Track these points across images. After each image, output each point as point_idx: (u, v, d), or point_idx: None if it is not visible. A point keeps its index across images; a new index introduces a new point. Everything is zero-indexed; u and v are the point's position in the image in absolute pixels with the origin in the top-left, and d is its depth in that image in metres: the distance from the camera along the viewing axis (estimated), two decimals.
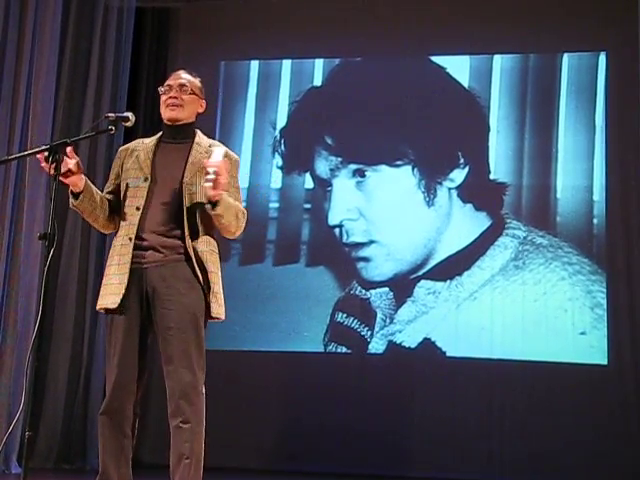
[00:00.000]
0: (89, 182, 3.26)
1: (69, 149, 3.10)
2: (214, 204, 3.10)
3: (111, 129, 3.25)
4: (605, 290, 6.05)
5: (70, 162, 3.12)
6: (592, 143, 6.26)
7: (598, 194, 6.19)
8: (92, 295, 6.03)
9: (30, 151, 3.37)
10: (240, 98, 6.74)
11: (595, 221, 6.18)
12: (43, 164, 3.07)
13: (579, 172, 6.25)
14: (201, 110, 3.41)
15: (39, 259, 5.58)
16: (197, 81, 3.43)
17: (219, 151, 3.14)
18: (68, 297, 6.01)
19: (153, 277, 3.15)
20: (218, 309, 3.24)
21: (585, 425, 5.86)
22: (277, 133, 6.70)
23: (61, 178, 3.08)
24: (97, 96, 6.22)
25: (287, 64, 6.80)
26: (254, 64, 6.82)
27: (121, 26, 6.39)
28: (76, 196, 3.21)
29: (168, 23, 6.95)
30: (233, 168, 3.32)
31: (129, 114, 3.29)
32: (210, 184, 3.05)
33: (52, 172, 3.02)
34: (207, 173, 3.05)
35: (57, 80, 5.98)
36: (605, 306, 6.03)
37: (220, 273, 3.27)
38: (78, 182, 3.18)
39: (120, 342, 3.14)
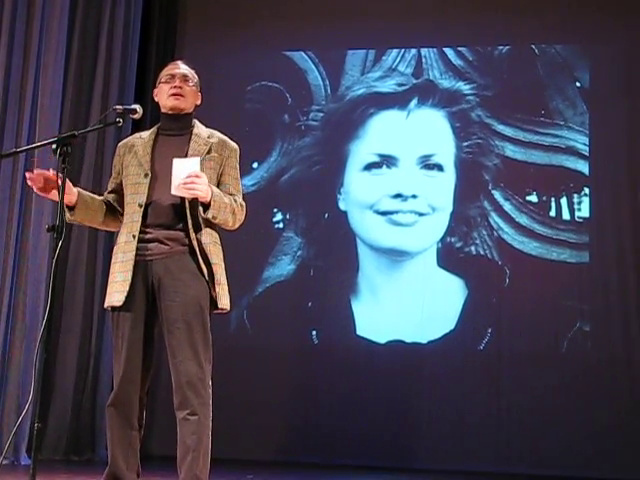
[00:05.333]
0: (83, 193, 3.24)
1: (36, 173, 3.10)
2: (205, 207, 3.13)
3: (119, 121, 3.24)
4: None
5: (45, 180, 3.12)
6: None
7: None
8: (100, 287, 6.04)
9: (38, 143, 3.38)
10: (247, 90, 6.73)
11: None
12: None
13: None
14: (199, 102, 3.41)
15: (47, 251, 5.60)
16: (195, 73, 3.42)
17: (193, 162, 3.11)
18: (76, 289, 6.02)
19: (158, 269, 3.15)
20: (224, 300, 3.23)
21: (595, 417, 5.86)
22: None
23: (41, 193, 3.13)
24: (104, 88, 6.22)
25: (296, 55, 6.79)
26: (262, 53, 6.81)
27: (129, 17, 6.39)
28: (70, 209, 3.20)
29: (176, 13, 6.95)
30: (232, 158, 3.32)
31: (137, 106, 3.28)
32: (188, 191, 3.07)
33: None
34: (185, 184, 3.06)
35: (64, 72, 5.98)
36: None
37: (224, 264, 3.27)
38: (71, 197, 3.17)
39: (127, 335, 3.15)
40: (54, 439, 5.81)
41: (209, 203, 3.11)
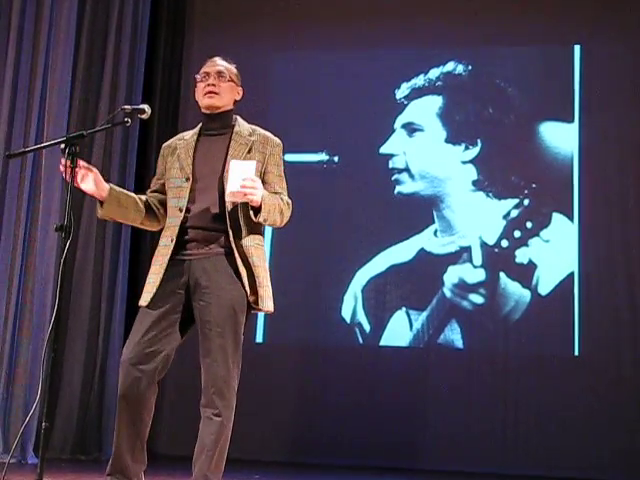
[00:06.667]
0: (116, 189, 3.23)
1: (82, 163, 3.10)
2: (256, 212, 3.09)
3: (127, 121, 3.24)
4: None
5: (85, 175, 3.12)
6: None
7: None
8: (108, 287, 6.05)
9: (46, 143, 3.37)
10: (255, 90, 6.70)
11: None
12: (62, 167, 3.07)
13: None
14: (238, 97, 3.36)
15: (55, 251, 5.61)
16: (234, 68, 3.39)
17: (250, 165, 3.08)
18: (84, 289, 6.03)
19: (196, 269, 3.14)
20: (267, 302, 3.19)
21: (602, 419, 5.84)
22: None
23: (83, 188, 3.12)
24: (112, 88, 6.23)
25: (304, 56, 6.79)
26: (271, 54, 6.81)
27: (137, 17, 6.40)
28: (101, 205, 3.20)
29: (184, 15, 6.95)
30: (276, 155, 3.28)
31: (145, 106, 3.27)
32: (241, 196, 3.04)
33: (68, 168, 3.03)
34: (241, 191, 3.02)
35: (73, 72, 5.99)
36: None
37: (267, 266, 3.22)
38: (101, 192, 3.16)
39: (145, 327, 3.11)
40: (61, 438, 5.82)
41: (260, 207, 3.08)
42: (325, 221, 6.54)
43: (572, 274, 6.10)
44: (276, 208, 3.16)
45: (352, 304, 6.38)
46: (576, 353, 6.02)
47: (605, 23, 6.31)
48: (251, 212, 3.10)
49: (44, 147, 3.73)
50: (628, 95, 6.21)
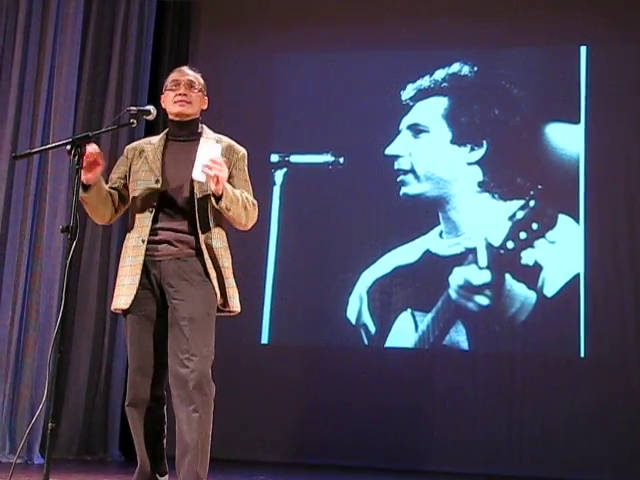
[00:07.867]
0: (102, 182, 3.27)
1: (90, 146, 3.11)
2: (218, 198, 3.13)
3: (133, 122, 3.25)
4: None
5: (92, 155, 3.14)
6: None
7: None
8: (113, 288, 6.04)
9: (52, 144, 3.39)
10: (261, 92, 6.72)
11: None
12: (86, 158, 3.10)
13: None
14: (205, 107, 3.41)
15: (61, 252, 5.62)
16: (201, 77, 3.43)
17: (216, 148, 3.14)
18: (89, 290, 6.04)
19: (167, 270, 3.18)
20: (235, 303, 3.26)
21: (608, 421, 5.82)
22: None
23: (84, 170, 3.12)
24: (118, 89, 6.24)
25: (309, 58, 6.79)
26: (276, 55, 6.81)
27: (142, 19, 6.41)
28: (85, 188, 3.21)
29: (189, 16, 6.95)
30: (241, 161, 3.34)
31: (151, 107, 3.29)
32: (205, 177, 3.08)
33: (89, 158, 3.09)
34: (208, 167, 3.07)
35: (79, 74, 6.01)
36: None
37: (232, 267, 3.28)
38: (93, 176, 3.19)
39: (137, 335, 3.18)
40: (67, 439, 5.84)
41: (221, 196, 3.12)
42: (330, 222, 6.54)
43: (578, 275, 6.09)
44: (239, 201, 3.21)
45: (357, 305, 6.37)
46: (582, 355, 6.00)
47: (611, 24, 6.29)
48: (212, 199, 3.15)
49: (50, 148, 3.74)
50: (635, 96, 6.19)
